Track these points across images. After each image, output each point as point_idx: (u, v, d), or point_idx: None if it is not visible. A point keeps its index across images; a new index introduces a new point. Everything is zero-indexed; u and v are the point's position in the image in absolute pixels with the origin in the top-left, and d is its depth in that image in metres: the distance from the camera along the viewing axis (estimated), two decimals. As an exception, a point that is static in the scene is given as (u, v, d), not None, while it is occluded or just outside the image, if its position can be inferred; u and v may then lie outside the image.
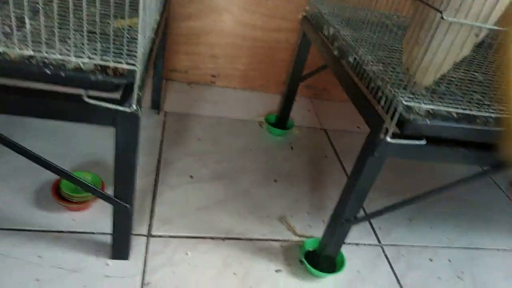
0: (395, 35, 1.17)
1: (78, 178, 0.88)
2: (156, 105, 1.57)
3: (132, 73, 0.71)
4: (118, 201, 0.88)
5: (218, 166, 1.40)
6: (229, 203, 1.26)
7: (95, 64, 0.72)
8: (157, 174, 1.30)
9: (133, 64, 0.69)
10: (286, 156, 1.53)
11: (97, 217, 1.10)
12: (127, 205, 0.89)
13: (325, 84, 1.94)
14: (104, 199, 0.90)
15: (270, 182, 1.38)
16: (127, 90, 0.75)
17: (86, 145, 1.34)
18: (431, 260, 1.23)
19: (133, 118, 0.74)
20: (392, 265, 1.18)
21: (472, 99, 0.83)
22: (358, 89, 0.92)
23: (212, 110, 1.71)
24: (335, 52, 1.06)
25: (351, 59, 0.97)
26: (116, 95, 0.76)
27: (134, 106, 0.73)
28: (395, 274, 1.15)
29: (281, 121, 1.65)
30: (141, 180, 1.26)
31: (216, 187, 1.30)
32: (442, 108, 0.78)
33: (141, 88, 0.75)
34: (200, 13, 1.68)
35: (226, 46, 1.77)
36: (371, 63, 0.92)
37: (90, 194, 1.08)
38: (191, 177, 1.32)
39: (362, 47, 1.00)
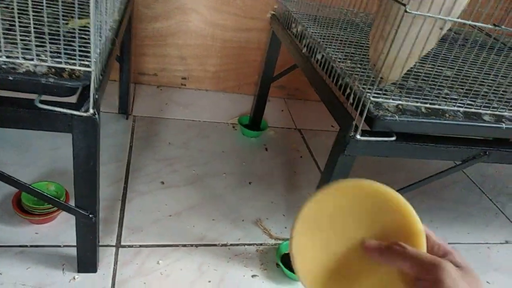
0: (363, 32, 1.16)
1: (37, 190, 0.82)
2: (124, 110, 1.52)
3: (87, 75, 0.67)
4: (80, 211, 0.83)
5: (190, 171, 1.36)
6: (202, 208, 1.22)
7: (48, 67, 0.67)
8: (126, 181, 1.25)
9: (87, 65, 0.65)
10: (261, 158, 1.51)
11: (62, 229, 1.05)
12: (91, 215, 0.85)
13: (298, 84, 1.93)
14: (65, 210, 0.85)
15: (244, 185, 1.35)
16: (84, 94, 0.71)
17: (50, 153, 1.28)
18: (407, 256, 1.22)
19: (91, 123, 0.70)
20: (369, 263, 1.17)
21: (440, 93, 0.83)
22: (327, 87, 0.90)
23: (183, 113, 1.66)
24: (304, 50, 1.05)
25: (319, 57, 0.95)
26: (74, 100, 0.72)
27: (91, 110, 0.69)
28: (372, 273, 1.14)
29: (254, 122, 1.62)
30: (109, 188, 1.21)
31: (188, 193, 1.27)
32: (410, 103, 0.78)
33: (99, 90, 0.71)
34: (166, 13, 1.64)
35: (195, 47, 1.74)
36: (339, 60, 0.91)
37: (52, 205, 1.02)
38: (162, 183, 1.28)
39: (330, 44, 0.99)
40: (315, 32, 1.07)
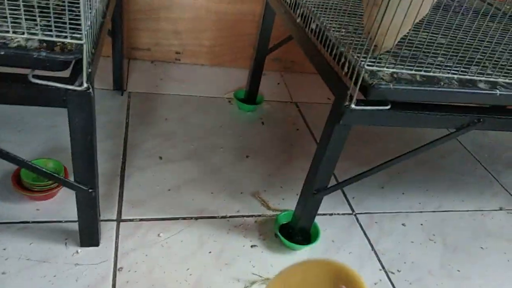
0: (358, 0, 1.14)
1: (36, 166, 0.83)
2: (119, 86, 1.51)
3: (79, 48, 0.67)
4: (80, 186, 0.84)
5: (187, 146, 1.36)
6: (201, 182, 1.24)
7: (40, 42, 0.67)
8: (124, 157, 1.26)
9: (79, 38, 0.65)
10: (257, 132, 1.51)
11: (64, 205, 1.06)
12: (91, 190, 0.86)
13: (294, 57, 1.92)
14: (65, 185, 0.86)
15: (242, 158, 1.36)
16: (77, 68, 0.70)
17: (47, 130, 1.28)
18: (403, 225, 1.25)
19: (85, 97, 0.70)
20: (366, 232, 1.20)
21: (435, 60, 0.83)
22: (321, 57, 0.90)
23: (178, 88, 1.66)
24: (298, 20, 1.03)
25: (313, 26, 0.94)
26: (67, 74, 0.71)
27: (85, 84, 0.68)
28: (369, 241, 1.17)
29: (250, 96, 1.62)
30: (108, 164, 1.22)
31: (186, 167, 1.28)
32: (404, 71, 0.77)
33: (92, 64, 0.71)
34: (158, -14, 1.61)
35: (189, 21, 1.71)
36: (334, 29, 0.90)
37: (53, 182, 1.03)
38: (160, 158, 1.29)
39: (325, 13, 0.98)
40: (310, 1, 1.05)
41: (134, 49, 1.75)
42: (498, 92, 0.84)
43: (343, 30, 0.91)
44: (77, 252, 0.96)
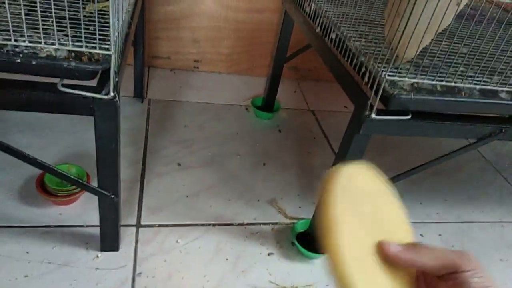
0: (378, 10, 1.15)
1: (61, 171, 0.85)
2: (139, 93, 1.54)
3: (107, 58, 0.69)
4: (103, 192, 0.86)
5: (205, 152, 1.38)
6: (218, 188, 1.25)
7: (68, 52, 0.69)
8: (144, 163, 1.28)
9: (107, 49, 0.67)
10: (274, 139, 1.52)
11: (85, 210, 1.09)
12: (113, 196, 0.87)
13: (311, 65, 1.92)
14: (89, 191, 0.88)
15: (259, 166, 1.37)
16: (104, 77, 0.72)
17: (69, 137, 1.31)
18: (421, 235, 1.24)
19: (112, 105, 0.72)
20: (383, 241, 1.18)
21: (456, 71, 0.82)
22: (341, 66, 0.90)
23: (196, 96, 1.68)
24: (317, 30, 1.04)
25: (333, 36, 0.95)
26: (94, 83, 0.74)
27: (112, 93, 0.70)
28: (386, 250, 1.16)
29: (267, 104, 1.63)
30: (128, 170, 1.24)
31: (204, 174, 1.29)
32: (426, 81, 0.77)
33: (118, 74, 0.73)
34: (178, -4, 1.64)
35: (208, 30, 1.74)
36: (354, 39, 0.91)
37: (75, 187, 1.06)
38: (179, 164, 1.31)
39: (344, 23, 0.98)
40: (329, 11, 1.06)
41: (155, 58, 1.78)
42: (520, 102, 0.83)
43: (363, 39, 0.91)
44: (97, 256, 0.98)
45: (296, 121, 1.65)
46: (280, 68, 1.52)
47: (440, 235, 1.25)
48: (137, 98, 1.56)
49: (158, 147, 1.36)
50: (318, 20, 1.06)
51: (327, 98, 1.85)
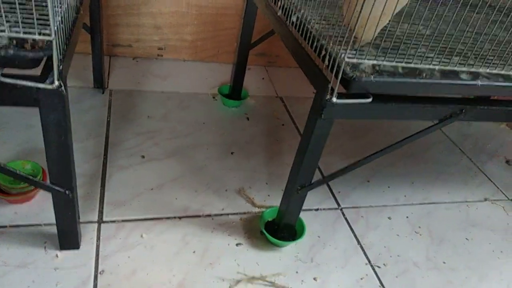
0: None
1: (10, 169, 0.80)
2: (100, 84, 1.48)
3: (50, 45, 0.64)
4: (56, 188, 0.81)
5: (170, 143, 1.34)
6: (184, 180, 1.22)
7: (10, 39, 0.64)
8: (105, 156, 1.23)
9: (48, 34, 0.62)
10: (242, 127, 1.49)
11: (42, 208, 1.03)
12: (67, 191, 0.83)
13: (279, 51, 1.90)
14: (41, 188, 0.84)
15: (226, 155, 1.35)
16: (48, 66, 0.67)
17: (24, 132, 1.24)
18: (389, 218, 1.25)
19: (57, 95, 0.67)
20: (352, 226, 1.19)
21: (416, 52, 0.81)
22: (302, 50, 0.88)
23: (161, 85, 1.63)
24: (279, 13, 1.02)
25: (294, 19, 0.93)
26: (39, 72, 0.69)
27: (56, 82, 0.66)
28: (355, 235, 1.16)
29: (234, 91, 1.59)
30: (89, 164, 1.19)
31: (169, 165, 1.25)
32: (386, 63, 0.76)
33: (64, 61, 0.68)
34: (137, -19, 1.57)
35: (170, 15, 1.68)
36: (315, 21, 0.88)
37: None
38: (143, 156, 1.27)
39: (306, 5, 0.96)
40: (290, -6, 1.03)
41: (115, 46, 1.71)
42: (479, 82, 0.83)
43: (324, 22, 0.89)
44: (56, 256, 0.94)
45: (264, 109, 1.63)
46: (246, 55, 1.49)
47: (407, 217, 1.26)
48: (97, 89, 1.50)
49: (121, 139, 1.31)
50: (279, 2, 1.03)
51: (296, 85, 1.84)
